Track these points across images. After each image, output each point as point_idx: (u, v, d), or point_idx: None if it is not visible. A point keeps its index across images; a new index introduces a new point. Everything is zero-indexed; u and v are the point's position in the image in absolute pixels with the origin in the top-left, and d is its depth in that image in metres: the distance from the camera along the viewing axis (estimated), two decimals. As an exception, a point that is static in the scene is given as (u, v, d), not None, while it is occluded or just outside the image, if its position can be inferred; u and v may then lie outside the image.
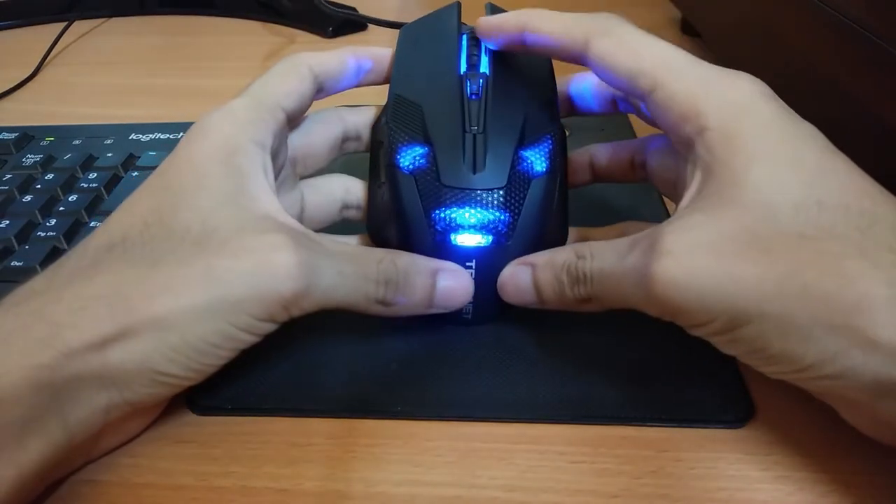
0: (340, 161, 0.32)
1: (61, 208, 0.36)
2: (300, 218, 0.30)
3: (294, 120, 0.29)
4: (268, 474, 0.24)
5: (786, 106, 0.24)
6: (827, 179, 0.22)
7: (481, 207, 0.26)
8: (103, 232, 0.24)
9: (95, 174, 0.39)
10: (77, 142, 0.43)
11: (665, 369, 0.27)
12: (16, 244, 0.34)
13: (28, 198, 0.37)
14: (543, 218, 0.27)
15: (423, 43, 0.31)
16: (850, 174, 0.22)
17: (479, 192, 0.26)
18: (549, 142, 0.27)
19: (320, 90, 0.29)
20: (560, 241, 0.28)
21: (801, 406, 0.23)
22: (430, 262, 0.26)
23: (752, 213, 0.21)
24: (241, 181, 0.24)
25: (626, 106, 0.31)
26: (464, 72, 0.29)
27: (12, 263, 0.32)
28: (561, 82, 0.31)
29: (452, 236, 0.26)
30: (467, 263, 0.27)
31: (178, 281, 0.22)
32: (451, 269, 0.26)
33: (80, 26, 0.63)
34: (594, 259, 0.24)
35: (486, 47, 0.30)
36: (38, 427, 0.21)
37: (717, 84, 0.24)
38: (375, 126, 0.31)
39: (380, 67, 0.31)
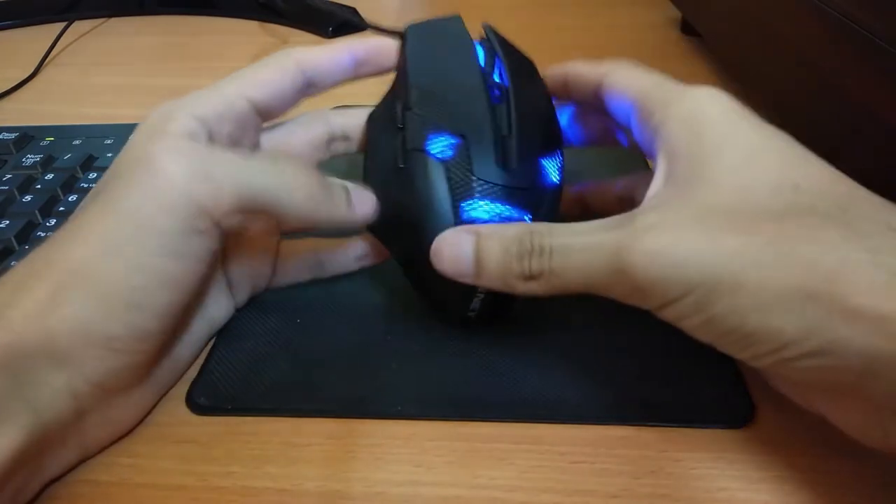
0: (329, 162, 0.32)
1: (61, 208, 0.36)
2: None
3: (269, 112, 0.29)
4: (268, 474, 0.24)
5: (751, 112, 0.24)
6: (802, 166, 0.22)
7: (510, 205, 0.26)
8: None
9: (95, 174, 0.39)
10: (77, 142, 0.43)
11: (665, 370, 0.27)
12: (16, 244, 0.34)
13: (28, 198, 0.37)
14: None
15: (436, 43, 0.31)
16: (822, 164, 0.22)
17: (510, 188, 0.26)
18: (560, 156, 0.29)
19: (310, 85, 0.29)
20: None
21: (800, 406, 0.23)
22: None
23: (729, 192, 0.21)
24: (159, 131, 0.24)
25: (622, 136, 0.31)
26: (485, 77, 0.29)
27: (12, 263, 0.32)
28: None
29: None
30: None
31: (83, 227, 0.23)
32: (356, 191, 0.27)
33: (80, 26, 0.63)
34: (554, 235, 0.24)
35: (499, 58, 0.30)
36: (3, 411, 0.21)
37: (686, 88, 0.25)
38: (383, 114, 0.30)
39: (380, 58, 0.30)
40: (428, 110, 0.27)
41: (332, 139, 0.31)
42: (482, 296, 0.27)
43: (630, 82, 0.27)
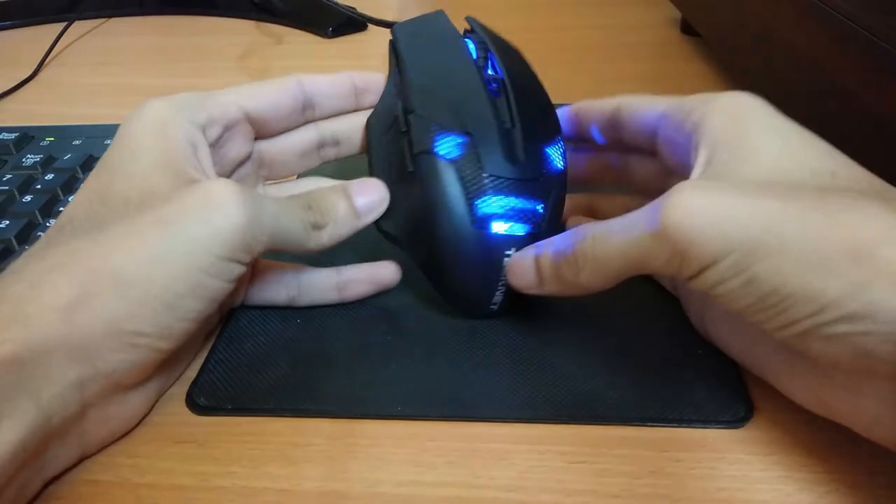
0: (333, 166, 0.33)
1: (61, 208, 0.36)
2: None
3: (265, 124, 0.30)
4: (268, 474, 0.24)
5: None
6: (836, 158, 0.23)
7: (522, 197, 0.26)
8: (55, 221, 0.25)
9: (95, 174, 0.39)
10: (77, 142, 0.43)
11: (665, 369, 0.27)
12: (16, 244, 0.34)
13: (28, 198, 0.37)
14: (561, 210, 0.29)
15: (427, 41, 0.31)
16: (853, 162, 0.23)
17: (521, 181, 0.26)
18: (562, 142, 0.29)
19: (312, 105, 0.31)
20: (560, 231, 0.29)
21: (801, 406, 0.23)
22: (339, 184, 0.28)
23: (770, 170, 0.22)
24: (172, 147, 0.26)
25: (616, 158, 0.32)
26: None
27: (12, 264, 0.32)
28: None
29: (492, 224, 0.27)
30: (507, 252, 0.27)
31: (130, 237, 0.23)
32: (357, 183, 0.28)
33: (80, 26, 0.63)
34: (595, 227, 0.24)
35: (491, 51, 0.30)
36: (8, 406, 0.21)
37: (719, 93, 0.26)
38: (382, 117, 0.30)
39: (381, 89, 0.31)
40: (430, 110, 0.27)
41: (322, 144, 0.32)
42: (503, 289, 0.27)
43: (654, 100, 0.28)
